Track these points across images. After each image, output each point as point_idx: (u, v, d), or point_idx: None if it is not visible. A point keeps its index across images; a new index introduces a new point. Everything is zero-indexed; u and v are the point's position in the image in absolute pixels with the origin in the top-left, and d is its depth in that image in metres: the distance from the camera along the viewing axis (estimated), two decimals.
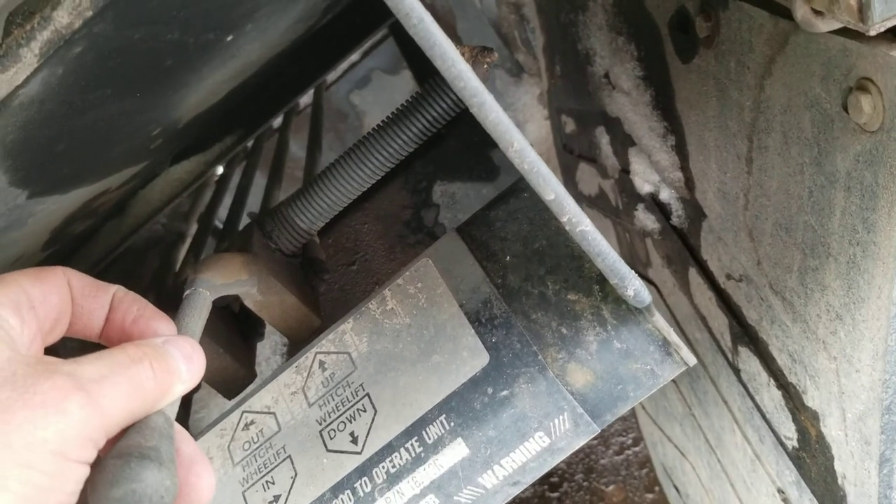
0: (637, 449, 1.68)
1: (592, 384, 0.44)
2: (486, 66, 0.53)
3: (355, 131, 1.46)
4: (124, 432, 0.36)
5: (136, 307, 0.43)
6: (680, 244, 0.81)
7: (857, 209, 0.49)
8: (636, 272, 1.03)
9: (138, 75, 0.48)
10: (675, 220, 0.80)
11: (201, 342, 0.56)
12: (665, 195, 0.81)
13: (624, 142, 0.88)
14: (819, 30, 0.45)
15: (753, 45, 0.57)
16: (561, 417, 0.44)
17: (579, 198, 1.21)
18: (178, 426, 0.40)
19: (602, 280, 0.45)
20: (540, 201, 0.48)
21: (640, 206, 0.88)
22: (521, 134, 0.37)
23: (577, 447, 0.44)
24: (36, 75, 0.36)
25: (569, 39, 1.04)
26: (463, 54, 0.56)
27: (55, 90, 0.40)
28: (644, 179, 0.83)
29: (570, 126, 1.18)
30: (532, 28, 1.32)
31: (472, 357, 0.46)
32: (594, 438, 1.79)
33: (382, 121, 0.58)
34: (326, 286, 0.71)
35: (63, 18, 0.32)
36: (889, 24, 0.42)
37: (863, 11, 0.41)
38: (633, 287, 0.40)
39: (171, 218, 1.18)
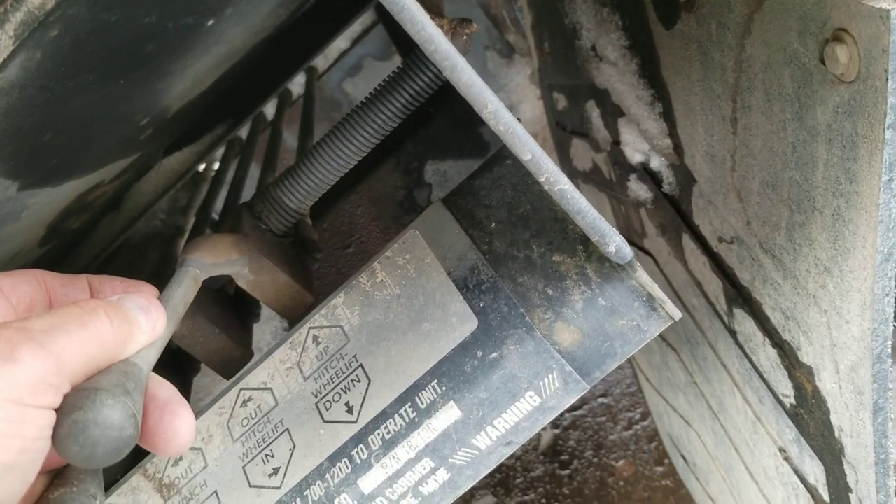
0: (645, 423, 1.69)
1: (580, 342, 0.44)
2: (465, 38, 0.54)
3: None
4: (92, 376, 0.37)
5: (118, 284, 0.45)
6: (672, 211, 0.81)
7: (839, 160, 0.50)
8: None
9: (119, 61, 0.48)
10: (666, 188, 0.81)
11: (198, 322, 0.57)
12: (655, 163, 0.81)
13: (613, 113, 0.88)
14: None
15: (732, 5, 0.58)
16: (550, 376, 0.44)
17: (574, 173, 1.21)
18: (156, 376, 0.41)
19: (585, 240, 0.45)
20: (522, 167, 0.49)
21: (633, 177, 0.88)
22: (494, 95, 0.38)
23: (567, 405, 0.45)
24: (13, 59, 0.36)
25: (555, 15, 1.04)
26: (442, 26, 0.57)
27: (35, 75, 0.40)
28: (634, 149, 0.83)
29: (561, 102, 1.19)
30: (520, 7, 1.32)
31: (461, 323, 0.46)
32: (603, 415, 1.80)
33: (366, 97, 0.58)
34: (323, 268, 0.71)
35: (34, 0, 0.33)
36: None
37: None
38: (615, 243, 0.41)
39: (170, 213, 1.18)
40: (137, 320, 0.40)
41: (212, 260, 0.50)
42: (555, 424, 1.81)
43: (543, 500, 1.67)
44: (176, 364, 0.67)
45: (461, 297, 0.47)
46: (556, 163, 1.34)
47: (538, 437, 1.80)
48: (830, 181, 0.51)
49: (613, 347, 0.44)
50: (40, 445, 0.34)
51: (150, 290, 0.45)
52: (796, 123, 0.53)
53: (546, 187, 0.39)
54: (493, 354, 0.45)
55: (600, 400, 1.81)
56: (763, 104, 0.57)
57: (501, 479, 1.73)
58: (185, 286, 0.45)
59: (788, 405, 0.68)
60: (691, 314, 0.87)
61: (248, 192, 1.13)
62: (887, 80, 0.44)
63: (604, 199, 1.08)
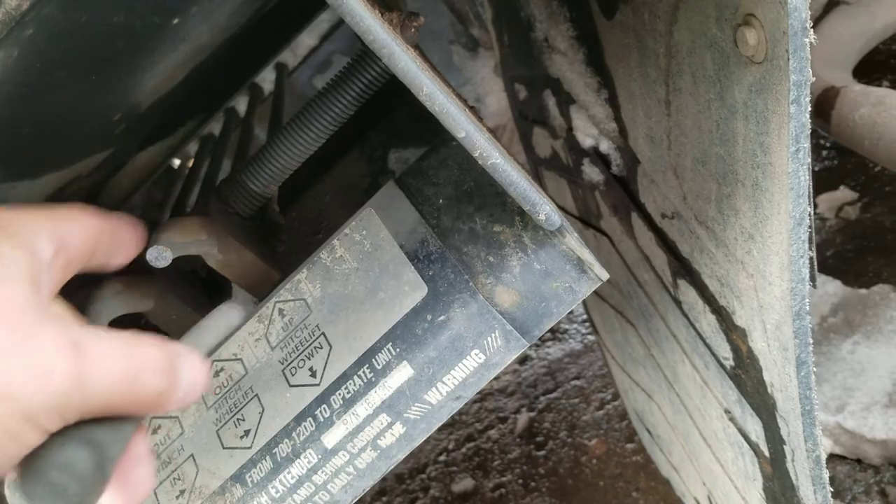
0: (616, 403, 1.74)
1: (518, 303, 0.49)
2: (413, 30, 0.58)
3: None
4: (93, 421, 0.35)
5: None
6: (621, 191, 0.86)
7: (755, 135, 0.54)
8: (591, 225, 1.08)
9: (91, 58, 0.52)
10: (615, 169, 0.85)
11: (171, 303, 0.61)
12: (604, 146, 0.86)
13: (566, 101, 0.93)
14: None
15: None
16: (493, 335, 0.49)
17: (537, 161, 1.26)
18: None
19: (522, 212, 0.50)
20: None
21: (586, 161, 0.93)
22: (429, 79, 0.42)
23: (509, 361, 0.49)
24: None
25: (512, 9, 1.09)
26: (391, 20, 0.61)
27: (12, 72, 0.44)
28: (585, 134, 0.88)
29: (522, 93, 1.23)
30: (481, 2, 1.37)
31: (412, 290, 0.51)
32: (576, 397, 1.86)
33: (323, 87, 0.62)
34: (293, 254, 0.76)
35: (12, 1, 0.37)
36: None
37: None
38: (544, 212, 0.45)
39: (146, 208, 1.21)
40: (182, 389, 0.38)
41: (182, 239, 0.54)
42: (530, 408, 1.86)
43: (520, 481, 1.72)
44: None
45: (412, 267, 0.51)
46: (522, 152, 1.38)
47: (515, 420, 1.85)
48: (749, 154, 0.56)
49: (549, 307, 0.49)
50: (12, 463, 0.33)
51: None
52: (718, 103, 0.58)
53: (480, 162, 0.44)
54: (441, 317, 0.49)
55: (574, 382, 1.87)
56: (690, 86, 0.62)
57: (479, 462, 1.78)
58: (221, 331, 0.44)
59: (729, 367, 0.73)
60: (643, 288, 0.92)
61: None
62: (788, 59, 0.48)
63: (563, 184, 1.13)
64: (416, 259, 0.51)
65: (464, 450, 1.82)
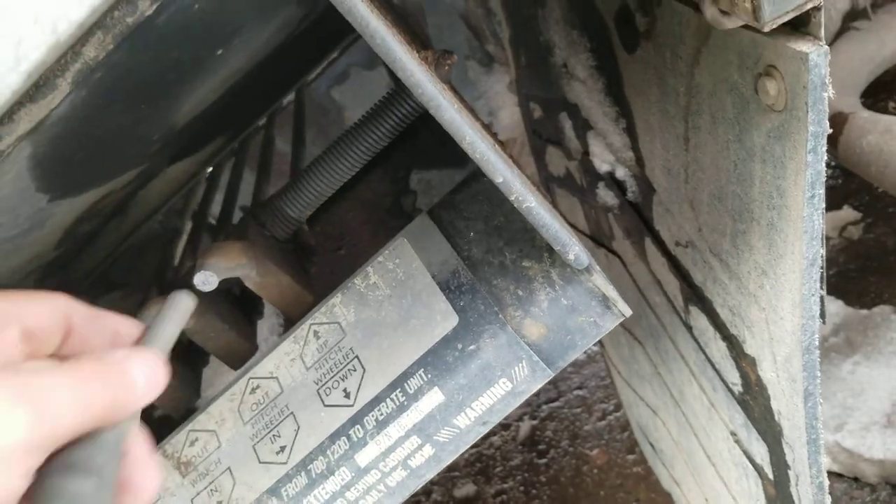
0: (618, 414, 1.77)
1: (545, 336, 0.52)
2: (446, 68, 0.61)
3: (336, 125, 1.53)
4: (74, 442, 0.37)
5: (136, 330, 0.45)
6: (636, 217, 0.89)
7: (772, 178, 0.57)
8: (602, 245, 1.11)
9: (144, 91, 0.55)
10: (630, 196, 0.88)
11: (209, 319, 0.63)
12: (621, 173, 0.89)
13: (583, 126, 0.96)
14: (726, 27, 0.53)
15: (683, 38, 0.65)
16: (520, 365, 0.52)
17: (549, 178, 1.29)
18: (134, 428, 0.41)
19: (550, 248, 0.53)
20: None
21: (601, 184, 0.96)
22: (471, 128, 0.45)
23: (535, 389, 0.52)
24: (66, 98, 0.43)
25: (531, 32, 1.11)
26: (426, 58, 0.64)
27: (79, 109, 0.47)
28: (602, 160, 0.91)
29: (537, 112, 1.26)
30: (498, 21, 1.39)
31: (443, 319, 0.53)
32: (578, 407, 1.89)
33: (360, 118, 0.65)
34: (318, 268, 0.78)
35: (90, 53, 0.40)
36: (781, 21, 0.50)
37: (756, 12, 0.48)
38: (574, 252, 0.48)
39: (167, 215, 1.25)
40: (138, 387, 0.40)
41: (226, 265, 0.57)
42: (533, 416, 1.89)
43: (521, 488, 1.75)
44: (188, 356, 0.74)
45: (444, 297, 0.54)
46: (533, 167, 1.41)
47: (517, 428, 1.88)
48: (765, 196, 0.59)
49: (574, 340, 0.52)
50: (12, 501, 0.34)
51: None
52: (737, 144, 0.61)
53: (515, 205, 0.46)
54: (472, 347, 0.52)
55: (576, 392, 1.89)
56: (710, 126, 0.64)
57: (481, 468, 1.81)
58: (177, 320, 0.45)
59: (737, 392, 0.75)
60: (654, 310, 0.94)
61: (242, 194, 1.20)
62: (807, 112, 0.51)
63: (576, 202, 1.16)
64: (447, 289, 0.54)
65: (466, 455, 1.85)
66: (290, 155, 1.12)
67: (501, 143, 0.91)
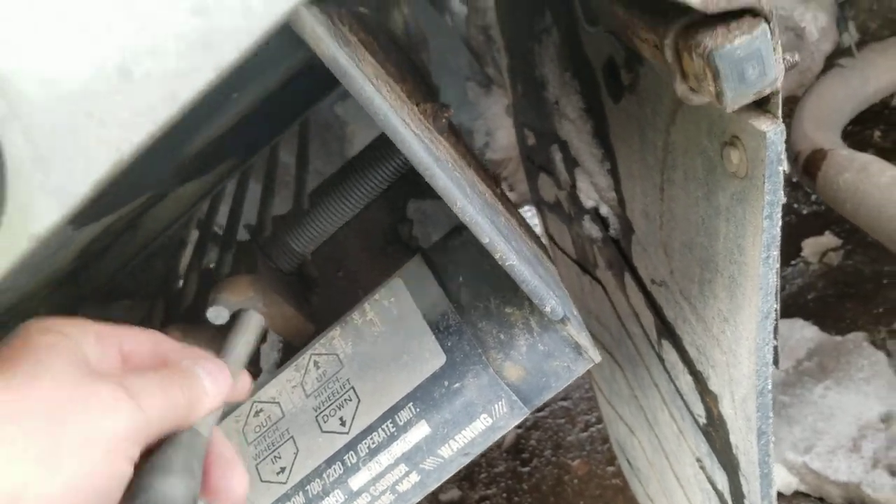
0: (600, 426, 1.83)
1: (523, 377, 0.57)
2: (444, 120, 0.66)
3: (339, 140, 1.58)
4: (159, 443, 0.43)
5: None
6: (617, 252, 0.94)
7: (734, 236, 0.63)
8: (587, 272, 1.16)
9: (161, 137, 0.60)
10: (612, 232, 0.94)
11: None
12: (604, 210, 0.95)
13: (572, 162, 1.01)
14: (695, 103, 0.58)
15: (662, 98, 0.71)
16: (499, 403, 0.57)
17: (541, 202, 1.35)
18: (217, 434, 0.48)
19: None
20: None
21: (587, 217, 1.01)
22: (462, 194, 0.51)
23: (513, 425, 0.58)
24: None
25: (528, 64, 1.17)
26: (425, 111, 0.69)
27: None
28: (587, 196, 0.97)
29: (531, 139, 1.32)
30: (497, 48, 1.45)
31: (432, 357, 0.59)
32: (562, 417, 1.95)
33: (365, 154, 0.71)
34: (318, 295, 0.84)
35: None
36: (743, 104, 0.55)
37: (719, 97, 0.54)
38: (550, 305, 0.54)
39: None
40: (205, 388, 0.46)
41: (235, 299, 0.62)
42: (518, 425, 1.95)
43: (504, 495, 1.81)
44: None
45: (434, 337, 0.60)
46: (526, 186, 1.45)
47: (503, 436, 1.94)
48: (728, 251, 0.65)
49: (549, 382, 0.57)
50: (115, 495, 0.39)
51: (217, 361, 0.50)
52: (705, 202, 0.67)
53: (499, 262, 0.52)
54: (457, 385, 0.58)
55: (560, 403, 1.96)
56: (682, 181, 0.70)
57: (466, 475, 1.87)
58: (249, 336, 0.53)
59: (702, 423, 0.81)
60: (632, 339, 1.00)
61: (247, 206, 1.25)
62: (764, 182, 0.57)
63: (565, 230, 1.22)
64: (437, 329, 0.60)
65: None
66: (293, 167, 1.17)
67: (494, 179, 0.97)
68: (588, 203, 0.97)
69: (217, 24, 0.36)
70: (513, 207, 0.87)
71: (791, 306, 1.80)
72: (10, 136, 0.30)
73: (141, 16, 0.35)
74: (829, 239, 1.90)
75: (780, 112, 0.57)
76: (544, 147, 1.19)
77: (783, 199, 0.58)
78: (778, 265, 0.61)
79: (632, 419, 1.20)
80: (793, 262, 1.92)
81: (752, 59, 0.53)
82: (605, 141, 0.90)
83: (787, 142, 1.58)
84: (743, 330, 0.66)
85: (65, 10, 0.33)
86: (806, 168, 1.41)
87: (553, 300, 0.54)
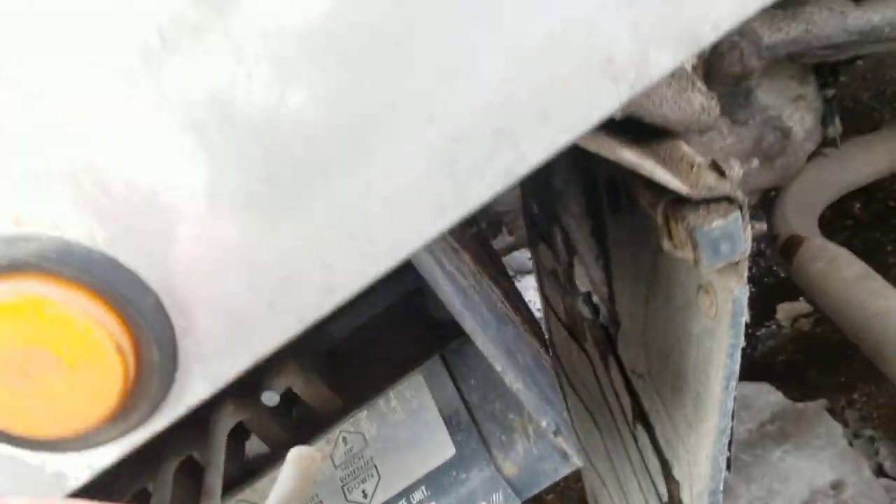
0: None
1: (518, 474, 0.70)
2: (468, 237, 0.78)
3: None
4: None
5: None
6: (605, 337, 1.07)
7: (702, 363, 0.75)
8: (577, 341, 1.28)
9: None
10: (601, 319, 1.06)
11: (312, 381, 0.79)
12: (596, 298, 1.07)
13: (572, 248, 1.13)
14: (678, 257, 0.71)
15: (652, 227, 0.83)
16: (497, 493, 0.70)
17: (539, 265, 1.47)
18: None
19: None
20: None
21: (580, 299, 1.14)
22: (483, 334, 0.63)
23: None
24: None
25: None
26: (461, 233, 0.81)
27: None
28: (581, 282, 1.09)
29: (535, 208, 1.44)
30: None
31: (444, 449, 0.72)
32: None
33: None
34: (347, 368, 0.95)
35: None
36: (716, 268, 0.67)
37: (696, 263, 0.66)
38: (545, 420, 0.66)
39: None
40: None
41: (284, 382, 0.74)
42: None
43: None
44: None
45: (447, 431, 0.72)
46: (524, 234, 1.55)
47: None
48: (696, 372, 0.77)
49: (539, 479, 0.70)
50: None
51: None
52: (681, 327, 0.79)
53: (507, 383, 0.64)
54: (463, 475, 0.70)
55: None
56: (664, 303, 0.82)
57: None
58: (296, 478, 0.59)
59: (664, 502, 0.94)
60: (611, 411, 1.13)
61: None
62: (729, 329, 0.69)
63: (559, 298, 1.34)
64: (449, 424, 0.72)
65: None
66: None
67: (497, 262, 1.08)
68: (582, 288, 1.10)
69: None
70: (517, 296, 0.99)
71: (761, 366, 1.93)
72: (185, 345, 0.42)
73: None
74: (802, 305, 2.03)
75: (745, 273, 0.69)
76: (546, 221, 1.31)
77: (743, 343, 0.71)
78: (735, 393, 0.73)
79: (604, 473, 1.33)
80: (766, 324, 2.05)
81: (725, 238, 0.65)
82: (602, 242, 1.02)
83: (769, 222, 1.71)
84: (703, 438, 0.78)
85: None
86: (783, 251, 1.54)
87: (548, 416, 0.66)
